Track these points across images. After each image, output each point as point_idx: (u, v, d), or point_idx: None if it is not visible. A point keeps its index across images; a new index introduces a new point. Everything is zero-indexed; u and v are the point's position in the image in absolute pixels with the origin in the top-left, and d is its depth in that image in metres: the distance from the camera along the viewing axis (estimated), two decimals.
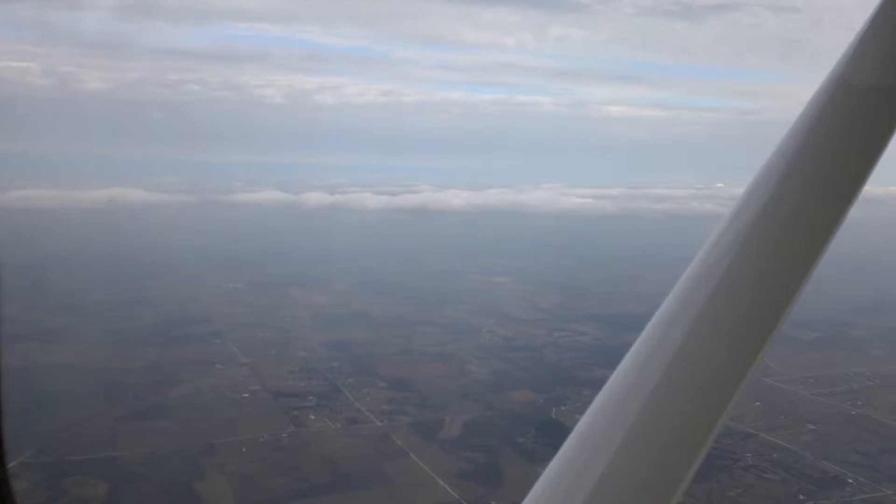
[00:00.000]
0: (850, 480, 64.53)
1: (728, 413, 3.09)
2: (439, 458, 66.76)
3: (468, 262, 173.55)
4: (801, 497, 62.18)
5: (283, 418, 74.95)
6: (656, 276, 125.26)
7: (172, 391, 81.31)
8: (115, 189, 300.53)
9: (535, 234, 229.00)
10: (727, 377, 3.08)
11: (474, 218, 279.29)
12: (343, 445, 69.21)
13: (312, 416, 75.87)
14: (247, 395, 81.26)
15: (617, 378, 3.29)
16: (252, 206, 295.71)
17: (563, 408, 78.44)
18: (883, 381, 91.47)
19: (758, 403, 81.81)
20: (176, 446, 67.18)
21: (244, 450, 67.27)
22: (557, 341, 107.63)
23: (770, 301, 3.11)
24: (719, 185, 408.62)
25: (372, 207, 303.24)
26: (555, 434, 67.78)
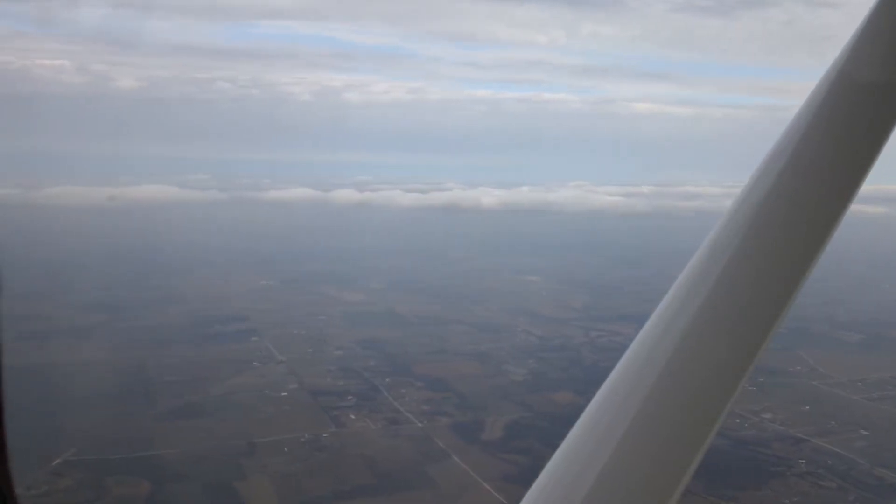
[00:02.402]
0: None
1: (728, 409, 3.04)
2: (483, 461, 65.53)
3: (499, 261, 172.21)
4: None
5: (324, 418, 74.11)
6: None
7: (211, 389, 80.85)
8: (147, 186, 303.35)
9: (566, 232, 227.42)
10: (727, 373, 3.06)
11: (504, 216, 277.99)
12: (385, 446, 68.19)
13: (352, 416, 75.01)
14: (285, 393, 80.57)
15: (618, 374, 3.27)
16: (282, 204, 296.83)
17: None
18: None
19: (807, 407, 80.00)
20: (217, 445, 66.58)
21: (286, 449, 66.48)
22: (594, 341, 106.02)
23: (770, 297, 3.08)
24: None
25: (402, 205, 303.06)
26: None
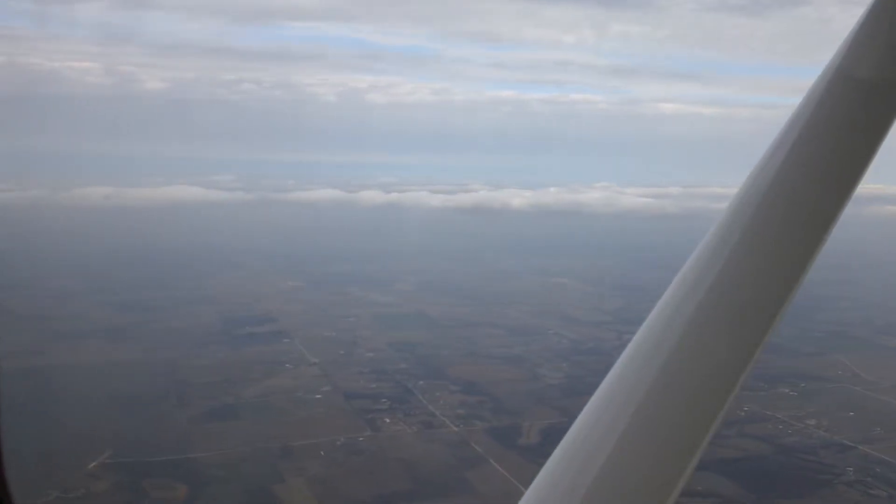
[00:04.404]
0: None
1: (727, 409, 3.04)
2: (521, 466, 64.36)
3: (529, 263, 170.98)
4: None
5: (358, 421, 73.39)
6: None
7: (245, 391, 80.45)
8: (174, 187, 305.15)
9: (595, 233, 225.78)
10: (725, 373, 3.05)
11: (532, 217, 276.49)
12: (422, 451, 67.35)
13: (387, 420, 74.24)
14: (319, 396, 80.00)
15: (616, 373, 3.27)
16: (309, 205, 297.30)
17: None
18: None
19: (851, 414, 78.13)
20: (253, 448, 65.99)
21: (322, 453, 65.81)
22: (627, 344, 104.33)
23: (769, 295, 3.07)
24: None
25: (429, 206, 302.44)
26: None
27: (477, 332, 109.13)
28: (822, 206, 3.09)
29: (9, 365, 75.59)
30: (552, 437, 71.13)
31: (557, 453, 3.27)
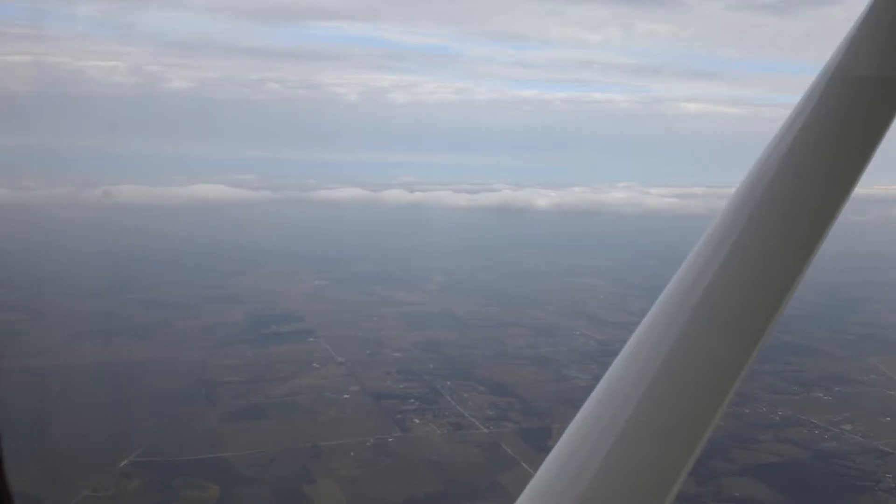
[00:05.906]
0: None
1: (724, 409, 3.02)
2: None
3: (554, 262, 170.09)
4: None
5: (387, 421, 72.94)
6: None
7: (273, 390, 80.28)
8: (198, 186, 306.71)
9: (620, 233, 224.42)
10: (723, 373, 3.04)
11: (556, 217, 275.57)
12: (452, 452, 66.75)
13: (417, 420, 73.72)
14: (347, 396, 79.67)
15: (613, 373, 3.27)
16: (332, 204, 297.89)
17: None
18: None
19: (888, 419, 76.66)
20: (283, 448, 65.75)
21: (352, 453, 65.39)
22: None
23: (769, 294, 3.07)
24: None
25: (452, 206, 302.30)
26: None
27: (503, 332, 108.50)
28: (822, 204, 3.08)
29: (35, 363, 76.12)
30: None
31: (556, 452, 3.23)
